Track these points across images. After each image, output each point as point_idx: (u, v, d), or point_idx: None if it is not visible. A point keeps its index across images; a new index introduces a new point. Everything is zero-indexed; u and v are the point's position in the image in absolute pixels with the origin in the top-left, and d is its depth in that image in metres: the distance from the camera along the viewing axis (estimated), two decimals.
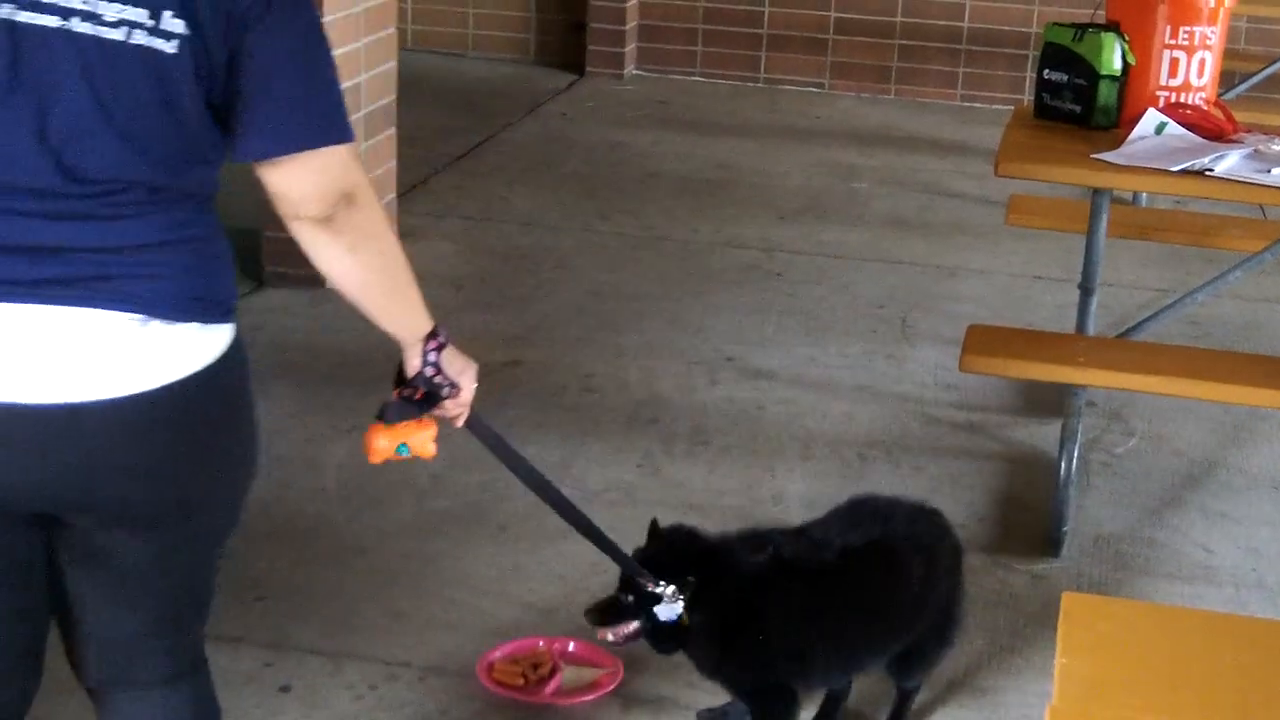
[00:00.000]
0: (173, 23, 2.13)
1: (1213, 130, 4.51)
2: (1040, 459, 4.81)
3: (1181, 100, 4.67)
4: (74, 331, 2.17)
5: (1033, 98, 4.88)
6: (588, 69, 9.81)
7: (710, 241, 6.75)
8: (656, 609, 3.13)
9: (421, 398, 2.59)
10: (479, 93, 9.26)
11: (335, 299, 5.69)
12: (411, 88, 7.31)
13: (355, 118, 5.92)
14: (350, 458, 4.62)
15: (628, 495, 4.50)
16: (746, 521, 4.33)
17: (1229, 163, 4.25)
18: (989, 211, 7.17)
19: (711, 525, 4.28)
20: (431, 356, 2.58)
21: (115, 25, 2.12)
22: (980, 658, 3.80)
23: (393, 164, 6.37)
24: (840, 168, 8.00)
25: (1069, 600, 2.33)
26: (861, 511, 3.41)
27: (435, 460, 4.58)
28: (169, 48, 2.14)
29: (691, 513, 4.39)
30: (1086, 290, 4.93)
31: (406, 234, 6.50)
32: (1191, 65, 4.69)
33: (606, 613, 3.21)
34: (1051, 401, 5.06)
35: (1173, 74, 4.68)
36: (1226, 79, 6.51)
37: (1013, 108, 5.43)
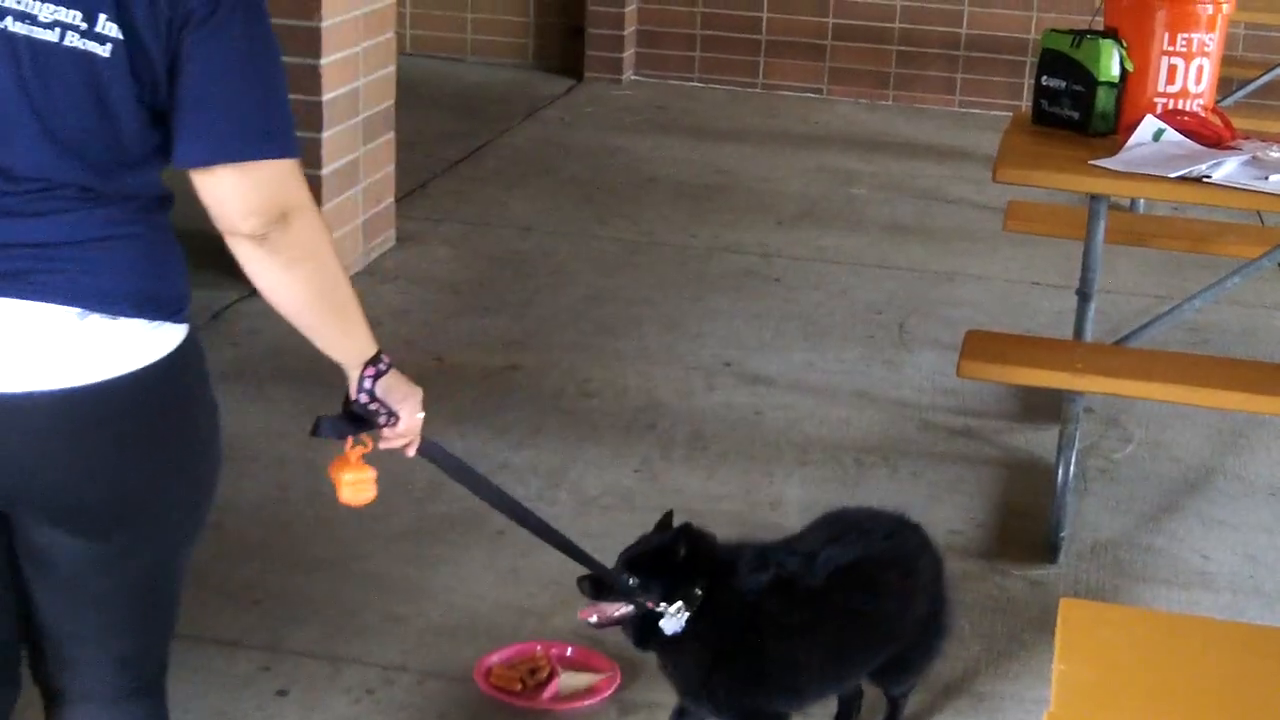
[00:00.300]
0: (107, 26, 2.10)
1: (1211, 137, 4.51)
2: (1038, 465, 4.81)
3: (1179, 107, 4.67)
4: (9, 323, 2.15)
5: (1031, 104, 4.89)
6: (586, 74, 9.82)
7: (708, 247, 6.76)
8: (661, 623, 3.08)
9: (354, 421, 2.52)
10: (477, 97, 9.27)
11: None
12: (410, 92, 7.32)
13: (354, 122, 5.95)
14: None
15: (625, 500, 4.50)
16: (745, 527, 4.34)
17: (1227, 169, 4.25)
18: (987, 217, 7.17)
19: (710, 530, 4.30)
20: (367, 384, 2.48)
21: (49, 27, 2.10)
22: (978, 663, 3.80)
23: (391, 168, 6.38)
24: (838, 173, 8.01)
25: (1067, 606, 2.34)
26: (841, 525, 3.35)
27: (432, 465, 4.60)
28: (103, 51, 2.11)
29: (689, 518, 4.38)
30: (1084, 296, 4.92)
31: (405, 239, 6.51)
32: (1190, 72, 4.69)
33: (600, 586, 3.14)
34: (1049, 407, 5.06)
35: (1171, 80, 4.68)
36: (1224, 86, 6.52)
37: (1011, 114, 5.44)
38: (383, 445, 2.58)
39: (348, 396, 2.52)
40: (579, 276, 6.32)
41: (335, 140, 5.87)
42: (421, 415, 2.59)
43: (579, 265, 6.45)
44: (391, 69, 6.28)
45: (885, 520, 3.41)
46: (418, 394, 2.57)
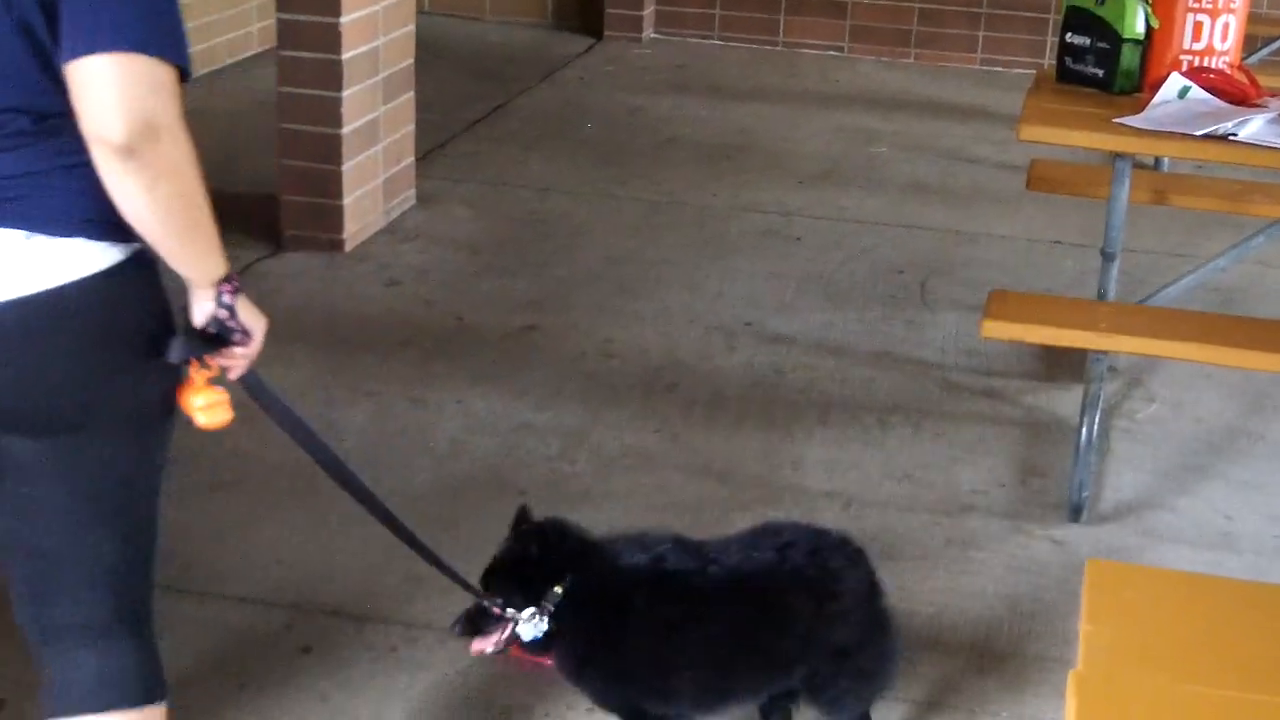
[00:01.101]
0: None
1: (1236, 95, 4.47)
2: (1061, 425, 4.80)
3: (1205, 64, 4.63)
4: None
5: (1054, 62, 4.85)
6: (606, 33, 9.78)
7: (729, 206, 6.74)
8: (518, 629, 2.96)
9: (210, 339, 2.48)
10: (496, 57, 9.24)
11: (353, 264, 5.68)
12: (429, 52, 7.30)
13: (373, 81, 5.93)
14: (370, 422, 4.62)
15: (646, 461, 4.49)
16: (765, 489, 4.35)
17: (1253, 127, 4.22)
18: (1009, 176, 7.13)
19: (730, 492, 4.31)
20: (226, 299, 2.46)
21: None
22: (1000, 623, 3.79)
23: (411, 128, 6.36)
24: (859, 132, 7.97)
25: (1094, 567, 2.32)
26: (763, 536, 3.13)
27: (454, 425, 4.61)
28: None
29: (710, 479, 4.40)
30: (1108, 255, 4.90)
31: (424, 198, 6.50)
32: (1215, 29, 4.65)
33: (475, 622, 2.99)
34: (1072, 367, 5.05)
35: (1196, 38, 4.64)
36: (1250, 43, 6.46)
37: (1033, 72, 5.40)
38: (229, 370, 2.56)
39: (188, 324, 2.50)
40: (598, 237, 6.30)
41: (355, 99, 5.85)
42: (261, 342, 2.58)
43: (598, 225, 6.43)
44: (411, 28, 6.25)
45: (816, 540, 3.14)
46: (264, 321, 2.57)
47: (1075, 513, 4.27)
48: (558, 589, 2.95)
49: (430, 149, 7.12)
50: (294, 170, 5.87)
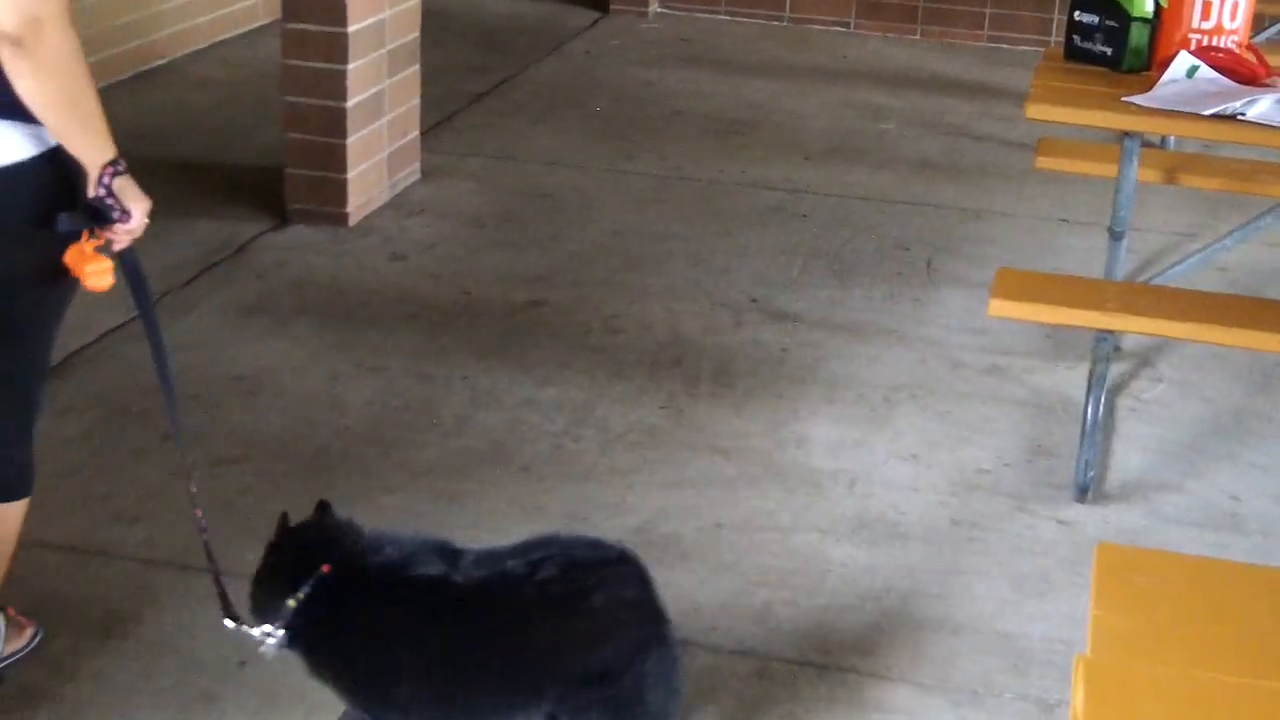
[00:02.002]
0: None
1: (1245, 74, 4.45)
2: (1067, 404, 4.78)
3: (1214, 43, 4.61)
4: None
5: (1062, 39, 4.83)
6: (612, 6, 9.74)
7: (735, 182, 6.71)
8: (261, 651, 2.92)
9: (95, 215, 2.85)
10: (503, 30, 9.21)
11: (358, 237, 5.68)
12: (435, 25, 7.27)
13: (379, 54, 5.92)
14: (376, 395, 4.61)
15: (651, 437, 4.48)
16: (770, 467, 4.34)
17: (1261, 107, 4.20)
18: (1016, 154, 7.11)
19: (736, 469, 4.30)
20: (106, 180, 2.80)
21: None
22: (1005, 604, 3.78)
23: (416, 101, 6.34)
24: (867, 109, 7.95)
25: (1103, 551, 2.31)
26: (532, 549, 2.92)
27: (460, 400, 4.60)
28: None
29: (715, 455, 4.39)
30: (1116, 235, 4.89)
31: (430, 172, 6.48)
32: (1224, 8, 4.62)
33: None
34: (1079, 346, 5.03)
35: (1205, 16, 4.62)
36: (1259, 21, 6.44)
37: (1040, 50, 5.38)
38: (114, 244, 2.91)
39: (85, 196, 2.84)
40: (605, 211, 6.28)
41: (360, 72, 5.83)
42: (146, 221, 2.93)
43: (605, 200, 6.41)
44: (417, 1, 6.23)
45: (583, 555, 2.93)
46: (147, 202, 2.91)
47: (1081, 493, 4.26)
48: (290, 603, 2.87)
49: (436, 122, 7.10)
50: (299, 143, 5.85)
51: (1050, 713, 3.41)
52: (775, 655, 3.53)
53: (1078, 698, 2.02)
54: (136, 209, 2.87)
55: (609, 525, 4.00)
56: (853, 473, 4.35)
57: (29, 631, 3.40)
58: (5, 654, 3.32)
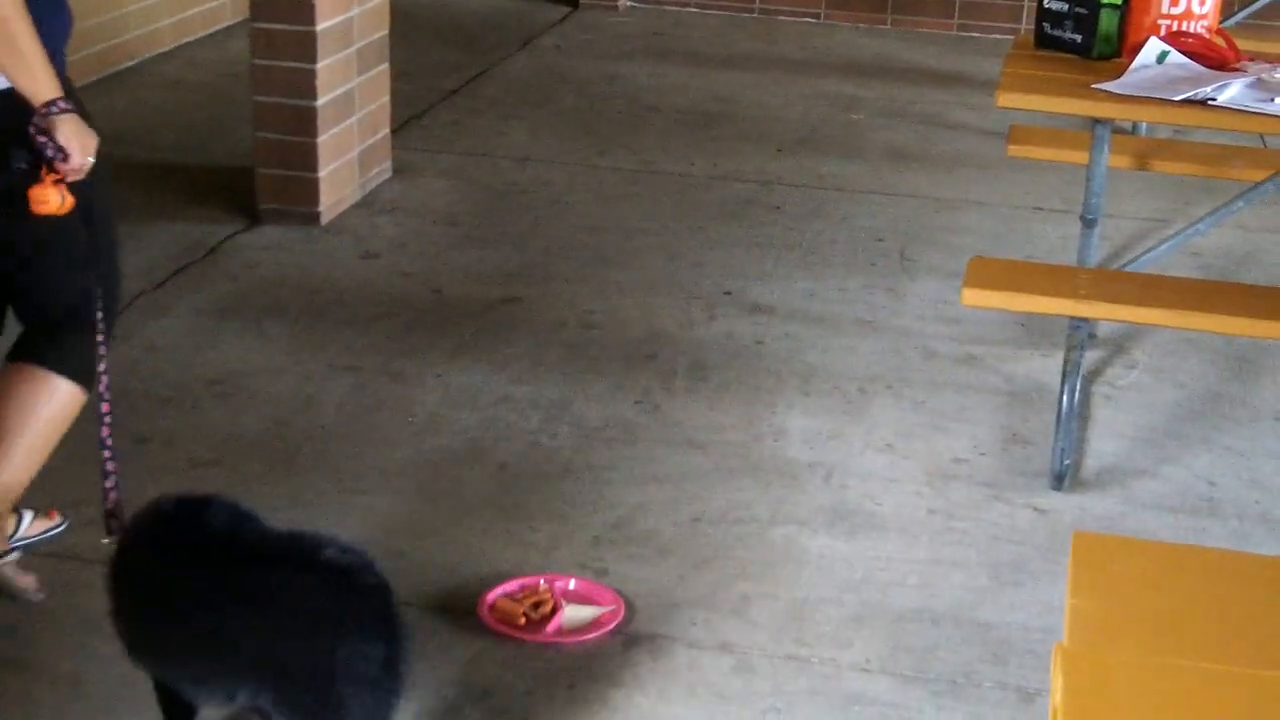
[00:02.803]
0: None
1: (1215, 59, 4.46)
2: (1042, 392, 4.78)
3: (1183, 29, 4.62)
4: None
5: (1032, 27, 4.83)
6: (582, 1, 9.73)
7: (708, 175, 6.71)
8: None
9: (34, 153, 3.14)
10: (472, 26, 9.19)
11: (330, 236, 5.69)
12: (404, 22, 7.25)
13: (347, 53, 5.90)
14: (349, 396, 4.59)
15: (627, 432, 4.47)
16: (747, 460, 4.34)
17: (1231, 92, 4.21)
18: (988, 143, 7.12)
19: (712, 462, 4.30)
20: (38, 120, 3.12)
21: None
22: (983, 593, 3.78)
23: (386, 99, 6.32)
24: (838, 99, 7.94)
25: (1079, 540, 2.31)
26: (290, 541, 3.00)
27: (434, 398, 4.58)
28: None
29: (692, 450, 4.38)
30: (1088, 222, 4.90)
31: (401, 170, 6.46)
32: None
33: None
34: (1053, 334, 5.04)
35: (1174, 3, 4.63)
36: (1227, 7, 6.46)
37: (1011, 38, 5.38)
38: (65, 176, 3.17)
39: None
40: (578, 207, 6.27)
41: (329, 71, 5.80)
42: (91, 159, 3.19)
43: (577, 195, 6.40)
44: None
45: (307, 554, 2.94)
46: (93, 140, 3.20)
47: (1058, 480, 4.26)
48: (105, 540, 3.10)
49: (407, 120, 7.08)
50: (269, 143, 5.83)
51: (1030, 701, 3.41)
52: (755, 648, 3.52)
53: (1056, 687, 2.01)
54: (74, 145, 3.14)
55: (586, 521, 3.99)
56: (829, 464, 4.35)
57: (57, 518, 3.80)
58: (33, 534, 3.71)
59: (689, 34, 9.23)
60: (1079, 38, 4.64)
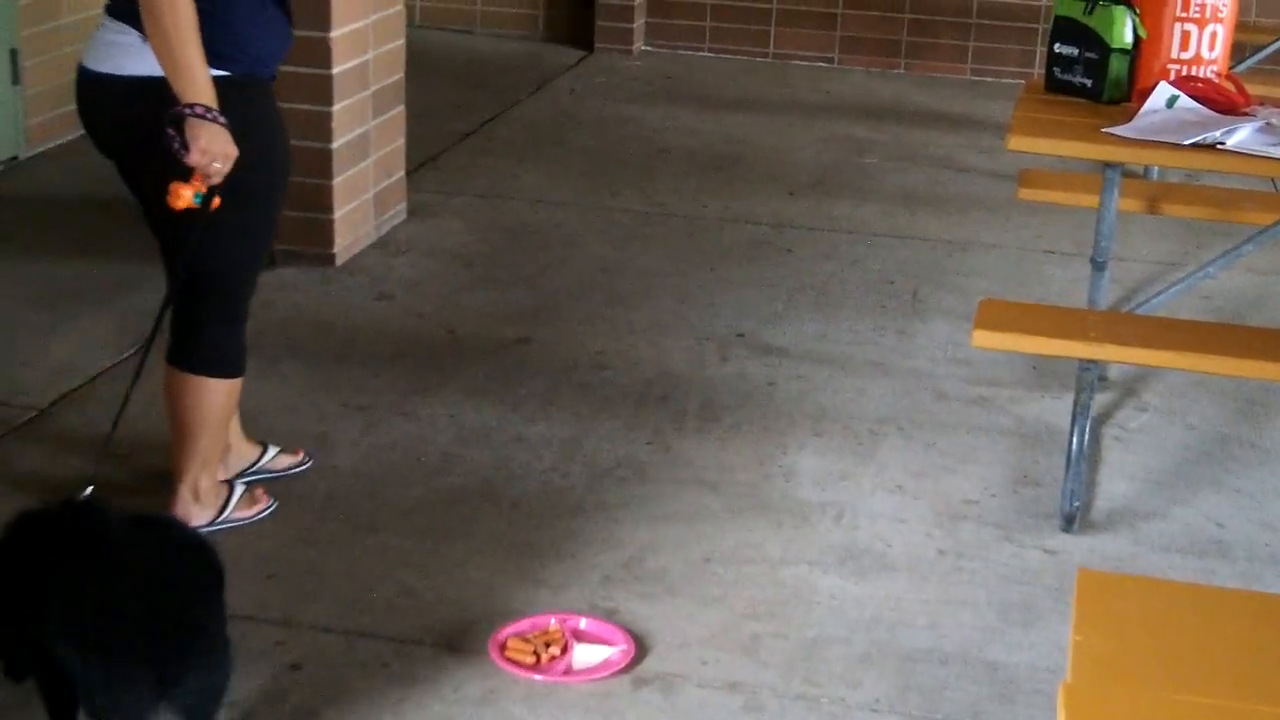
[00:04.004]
0: None
1: (1224, 103, 4.49)
2: (1052, 434, 4.80)
3: (1193, 73, 4.65)
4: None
5: (1043, 72, 4.87)
6: (596, 45, 9.79)
7: (720, 217, 6.74)
8: None
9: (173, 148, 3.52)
10: (487, 69, 9.24)
11: (345, 277, 5.74)
12: (419, 65, 7.30)
13: (363, 95, 5.94)
14: (362, 435, 4.61)
15: (639, 472, 4.49)
16: (758, 500, 4.35)
17: (1241, 136, 4.23)
18: (1000, 186, 7.15)
19: (723, 502, 4.31)
20: (174, 113, 3.51)
21: None
22: (992, 633, 3.79)
23: (401, 141, 6.36)
24: (850, 143, 7.98)
25: (1084, 577, 2.33)
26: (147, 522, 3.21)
27: (446, 437, 4.60)
28: None
29: (703, 489, 4.40)
30: (1098, 264, 4.92)
31: (416, 211, 6.50)
32: (1203, 38, 4.66)
33: None
34: (1063, 376, 5.05)
35: (1184, 47, 4.66)
36: (1238, 51, 6.48)
37: (1022, 82, 5.42)
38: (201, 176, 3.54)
39: None
40: (591, 248, 6.30)
41: (345, 113, 5.85)
42: (218, 165, 3.52)
43: (591, 237, 6.44)
44: (401, 41, 6.26)
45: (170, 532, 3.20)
46: (215, 141, 3.51)
47: (1067, 522, 4.27)
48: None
49: (421, 162, 7.13)
50: None
51: None
52: (765, 687, 3.54)
53: None
54: (194, 145, 3.49)
55: (597, 560, 4.01)
56: (840, 504, 4.37)
57: (263, 503, 4.17)
58: (234, 516, 4.08)
59: (703, 77, 9.28)
60: (1089, 82, 4.67)
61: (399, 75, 6.28)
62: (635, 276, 6.00)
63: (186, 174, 3.50)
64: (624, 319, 5.58)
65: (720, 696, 3.50)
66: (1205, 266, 4.84)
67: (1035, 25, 9.28)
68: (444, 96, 8.37)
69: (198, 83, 3.51)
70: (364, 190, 6.08)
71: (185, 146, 3.49)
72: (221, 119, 3.53)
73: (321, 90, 5.74)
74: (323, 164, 5.80)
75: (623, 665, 3.58)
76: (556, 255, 6.20)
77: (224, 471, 4.18)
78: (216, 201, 3.54)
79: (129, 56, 3.63)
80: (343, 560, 3.98)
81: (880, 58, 9.65)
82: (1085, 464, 4.35)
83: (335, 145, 5.81)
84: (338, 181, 5.85)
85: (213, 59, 3.56)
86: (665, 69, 9.46)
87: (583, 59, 9.61)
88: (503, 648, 3.61)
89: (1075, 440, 4.30)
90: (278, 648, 3.61)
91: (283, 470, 4.33)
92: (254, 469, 4.29)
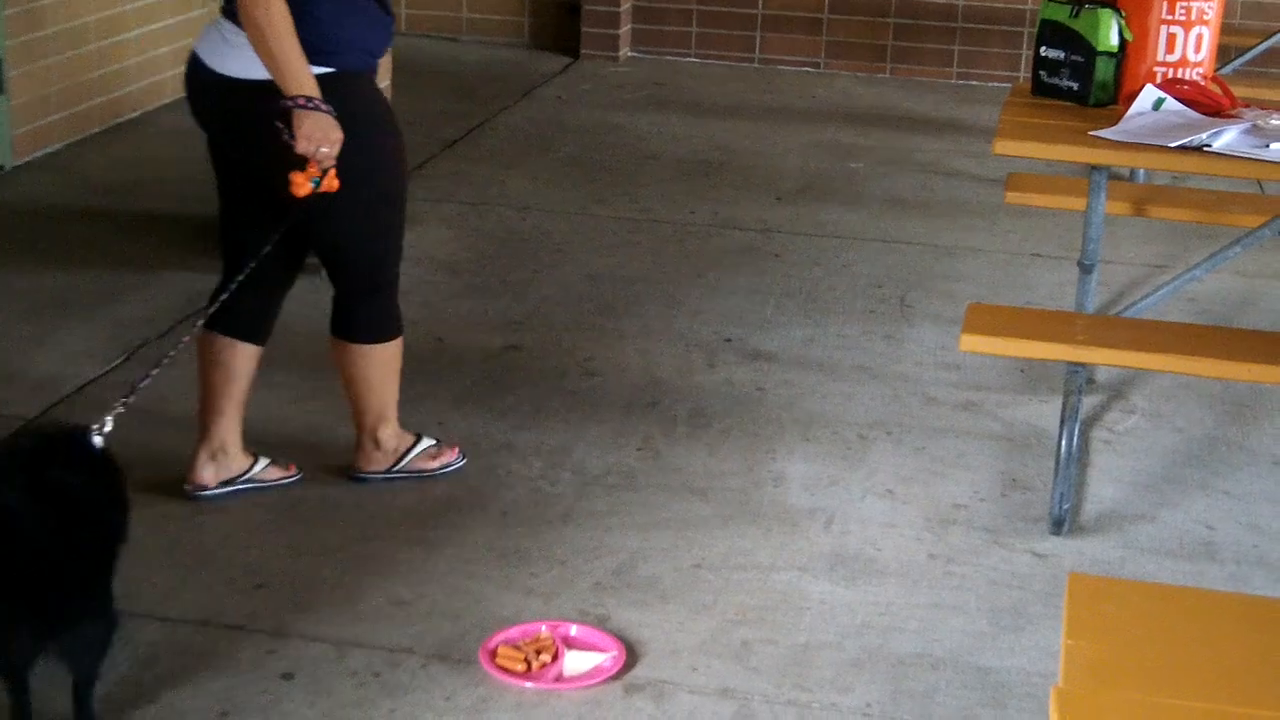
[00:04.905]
0: None
1: (1210, 106, 4.50)
2: (1041, 438, 4.80)
3: (1179, 76, 4.66)
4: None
5: (1030, 75, 4.87)
6: (583, 52, 9.79)
7: (708, 223, 6.74)
8: None
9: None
10: (474, 77, 9.24)
11: None
12: (406, 72, 7.30)
13: None
14: (352, 444, 4.60)
15: (628, 479, 4.49)
16: (746, 506, 4.35)
17: (1227, 138, 4.24)
18: (987, 190, 7.16)
19: (713, 509, 4.31)
20: (280, 105, 3.76)
21: None
22: (983, 638, 3.79)
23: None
24: (837, 148, 7.99)
25: (1075, 581, 2.33)
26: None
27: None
28: None
29: (693, 496, 4.40)
30: (1085, 268, 4.93)
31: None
32: (1189, 40, 4.68)
33: None
34: (1051, 379, 5.06)
35: (1170, 49, 4.67)
36: (1223, 54, 6.50)
37: (1009, 86, 5.43)
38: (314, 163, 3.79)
39: None
40: (578, 255, 6.30)
41: None
42: (325, 149, 3.77)
43: (578, 244, 6.44)
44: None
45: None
46: (319, 128, 3.76)
47: (1057, 525, 4.28)
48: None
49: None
50: None
51: None
52: (756, 693, 3.54)
53: None
54: (300, 134, 3.74)
55: (587, 568, 4.01)
56: (829, 510, 4.37)
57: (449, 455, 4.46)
58: (414, 466, 4.40)
59: (689, 84, 9.29)
60: (1075, 85, 4.68)
61: (386, 83, 6.27)
62: (623, 283, 6.00)
63: (300, 163, 3.77)
64: (612, 326, 5.58)
65: (711, 703, 3.50)
66: (1192, 269, 4.85)
67: (1021, 29, 9.30)
68: (430, 104, 8.37)
69: (298, 76, 3.76)
70: None
71: (294, 136, 3.75)
72: (325, 106, 3.77)
73: None
74: None
75: (614, 672, 3.58)
76: (544, 262, 6.20)
77: (214, 475, 4.27)
78: (335, 184, 3.81)
79: (239, 60, 3.88)
80: (333, 570, 3.98)
81: (866, 63, 9.66)
82: (1074, 467, 4.36)
83: None
84: None
85: (314, 56, 3.81)
86: (652, 75, 9.46)
87: (569, 66, 9.61)
88: (493, 655, 3.60)
89: (1064, 444, 4.31)
90: (269, 657, 3.61)
91: (272, 481, 4.36)
92: (243, 478, 4.31)
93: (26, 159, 7.06)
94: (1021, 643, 3.78)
